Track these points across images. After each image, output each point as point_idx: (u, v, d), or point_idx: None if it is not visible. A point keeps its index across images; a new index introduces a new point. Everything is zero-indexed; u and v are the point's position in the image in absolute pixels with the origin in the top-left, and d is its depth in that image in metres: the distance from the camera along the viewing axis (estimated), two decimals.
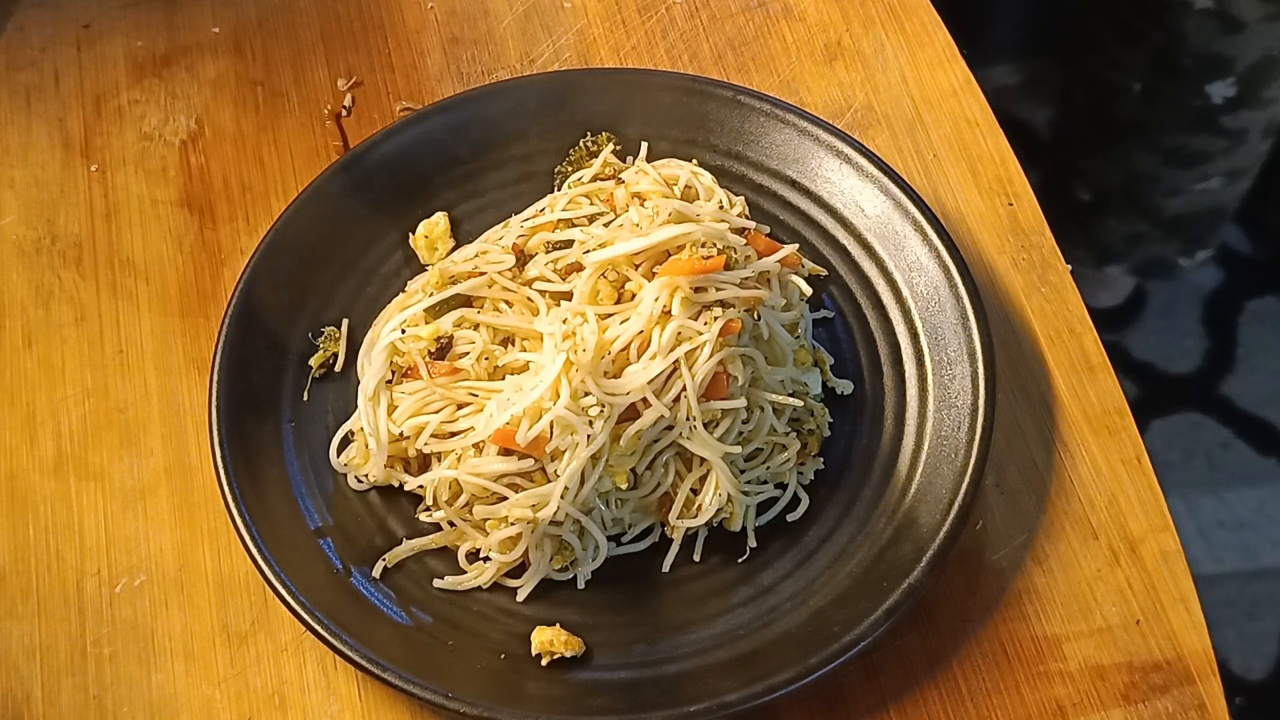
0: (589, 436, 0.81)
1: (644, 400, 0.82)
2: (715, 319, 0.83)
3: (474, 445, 0.84)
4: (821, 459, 0.90)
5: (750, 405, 0.86)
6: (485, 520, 0.84)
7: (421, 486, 0.86)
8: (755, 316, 0.85)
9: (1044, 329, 0.96)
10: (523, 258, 0.90)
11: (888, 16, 1.10)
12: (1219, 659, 0.85)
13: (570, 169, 0.98)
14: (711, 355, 0.83)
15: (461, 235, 0.97)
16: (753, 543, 0.87)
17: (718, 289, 0.83)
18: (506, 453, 0.83)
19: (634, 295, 0.84)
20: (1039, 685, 0.84)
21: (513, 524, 0.83)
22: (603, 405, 0.81)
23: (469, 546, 0.86)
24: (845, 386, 0.92)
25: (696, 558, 0.87)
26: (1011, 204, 1.01)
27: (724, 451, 0.84)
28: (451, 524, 0.86)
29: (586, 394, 0.81)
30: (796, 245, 0.93)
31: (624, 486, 0.85)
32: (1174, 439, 1.90)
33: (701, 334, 0.82)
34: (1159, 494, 0.89)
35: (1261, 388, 1.94)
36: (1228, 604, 1.76)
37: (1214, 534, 1.81)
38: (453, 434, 0.86)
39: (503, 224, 0.96)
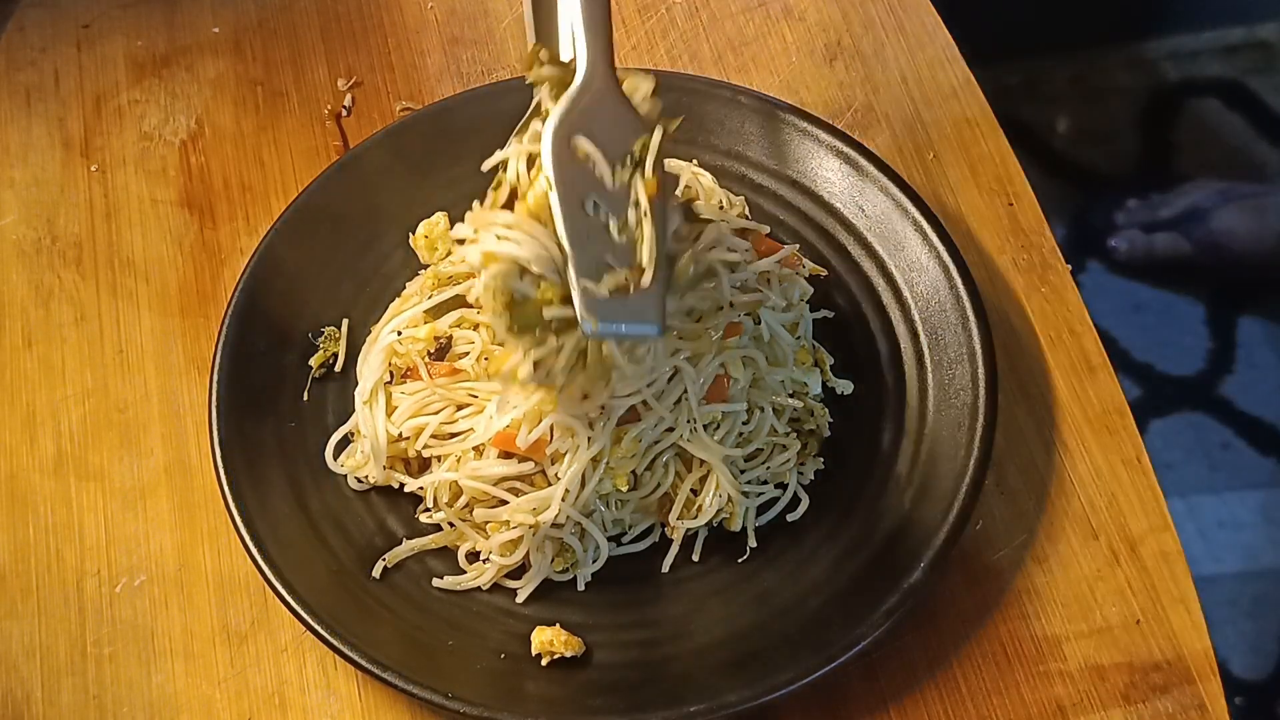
0: (589, 439, 0.81)
1: (644, 403, 0.82)
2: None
3: (474, 448, 0.84)
4: (821, 459, 0.90)
5: (750, 406, 0.86)
6: (486, 523, 0.84)
7: (422, 488, 0.86)
8: (756, 320, 0.85)
9: (1044, 329, 0.96)
10: None
11: (888, 16, 1.10)
12: (1219, 659, 0.84)
13: None
14: (713, 358, 0.83)
15: None
16: (753, 543, 0.87)
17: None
18: (507, 455, 0.83)
19: None
20: (1039, 685, 0.84)
21: (514, 528, 0.83)
22: (603, 408, 0.81)
23: (469, 547, 0.86)
24: (845, 386, 0.92)
25: (696, 558, 0.87)
26: (1011, 204, 1.01)
27: (724, 454, 0.84)
28: (451, 524, 0.86)
29: (586, 397, 0.81)
30: (796, 245, 0.93)
31: (624, 489, 0.85)
32: (1174, 439, 1.90)
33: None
34: (1159, 494, 0.89)
35: (1261, 388, 1.94)
36: (1228, 604, 1.76)
37: (1214, 534, 1.81)
38: (452, 435, 0.86)
39: None
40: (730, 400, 0.84)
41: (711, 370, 0.83)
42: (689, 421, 0.83)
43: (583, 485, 0.82)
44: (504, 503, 0.83)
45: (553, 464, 0.82)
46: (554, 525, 0.83)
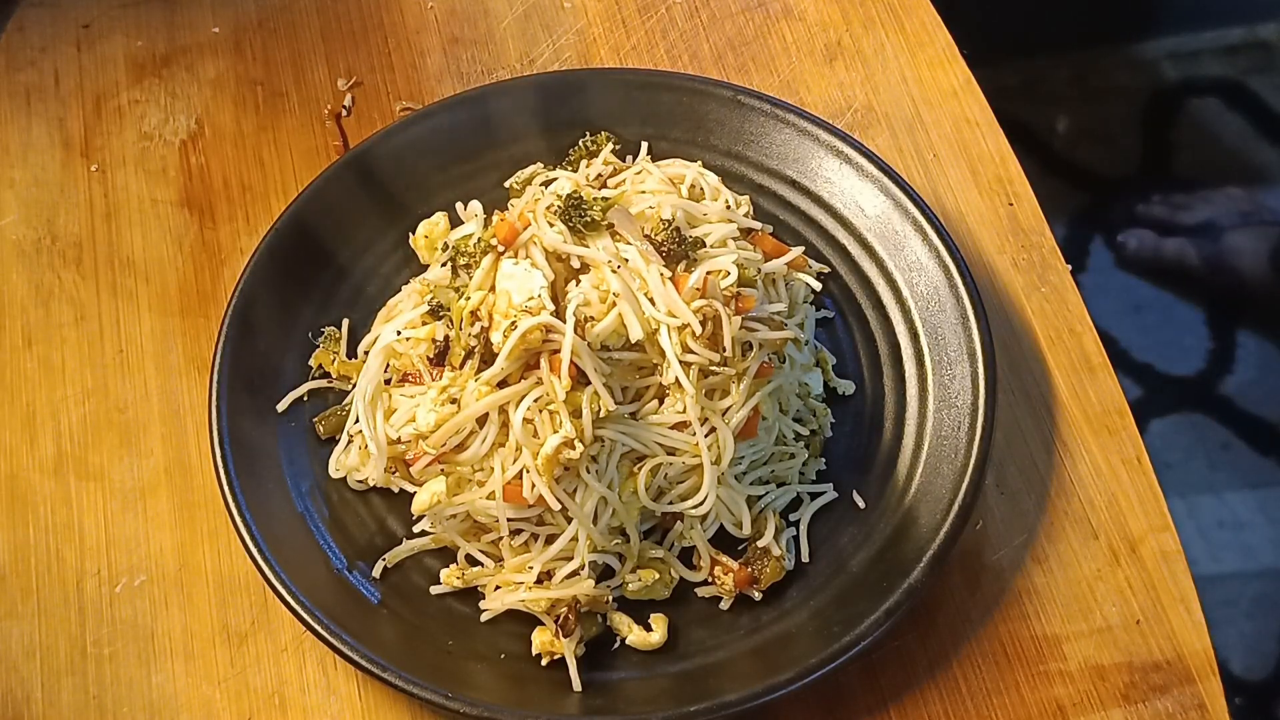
0: (598, 475, 0.82)
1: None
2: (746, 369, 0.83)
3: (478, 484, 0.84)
4: (822, 459, 0.90)
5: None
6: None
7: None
8: (781, 359, 0.85)
9: (1044, 329, 0.96)
10: None
11: (888, 16, 1.10)
12: (1219, 659, 0.85)
13: (570, 169, 0.98)
14: (745, 402, 0.83)
15: None
16: (805, 558, 0.86)
17: (750, 330, 0.83)
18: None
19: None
20: (1039, 685, 0.84)
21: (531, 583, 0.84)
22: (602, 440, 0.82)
23: (469, 547, 0.86)
24: (846, 387, 0.92)
25: (695, 560, 0.87)
26: (1011, 204, 1.01)
27: (747, 494, 0.85)
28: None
29: (598, 439, 0.81)
30: (803, 248, 0.93)
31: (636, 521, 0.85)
32: (1174, 439, 1.89)
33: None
34: (1159, 494, 0.89)
35: (1261, 388, 1.94)
36: (1228, 604, 1.76)
37: (1214, 534, 1.81)
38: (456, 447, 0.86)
39: None
40: (758, 435, 0.85)
41: (744, 415, 0.83)
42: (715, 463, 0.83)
43: (595, 520, 0.83)
44: (517, 531, 0.84)
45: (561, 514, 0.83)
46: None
